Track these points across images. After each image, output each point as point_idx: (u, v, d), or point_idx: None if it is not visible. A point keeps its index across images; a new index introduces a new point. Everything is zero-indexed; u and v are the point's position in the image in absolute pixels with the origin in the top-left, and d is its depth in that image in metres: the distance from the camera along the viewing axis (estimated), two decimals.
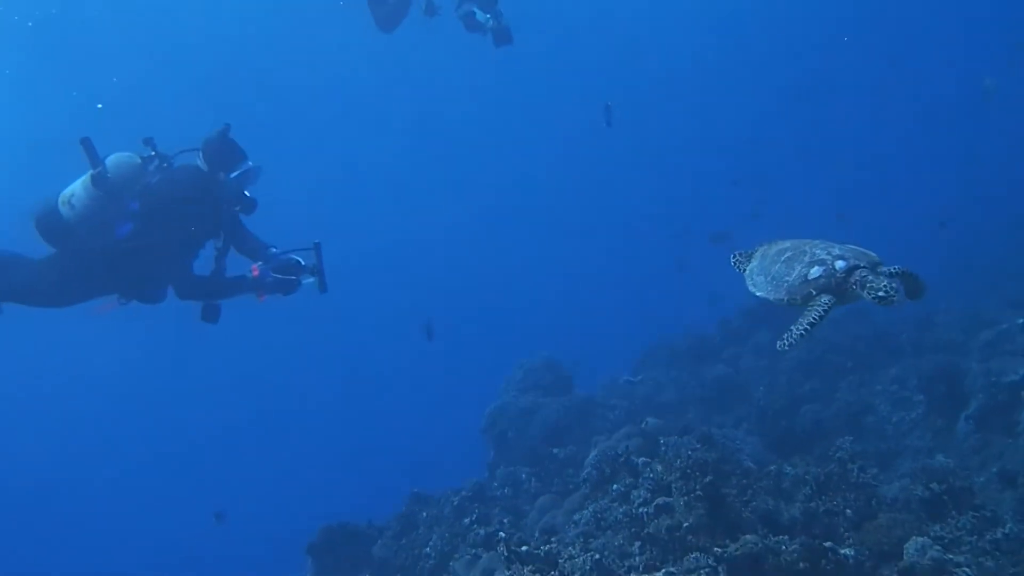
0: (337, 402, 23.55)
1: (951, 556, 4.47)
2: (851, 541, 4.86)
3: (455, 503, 7.84)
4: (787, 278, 3.26)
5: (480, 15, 7.29)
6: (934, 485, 5.80)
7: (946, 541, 5.54)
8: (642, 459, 6.31)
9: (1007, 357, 9.24)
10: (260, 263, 5.44)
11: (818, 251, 3.24)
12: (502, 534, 4.53)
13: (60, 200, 5.18)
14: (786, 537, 4.79)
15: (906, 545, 4.60)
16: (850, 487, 5.82)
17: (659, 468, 5.40)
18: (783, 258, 3.37)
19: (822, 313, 3.10)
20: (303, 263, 5.53)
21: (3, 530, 19.67)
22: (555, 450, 8.64)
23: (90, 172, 5.05)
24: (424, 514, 7.87)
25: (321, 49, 24.10)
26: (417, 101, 27.88)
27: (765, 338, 11.95)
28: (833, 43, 26.46)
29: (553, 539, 5.19)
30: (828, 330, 11.42)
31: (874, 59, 25.81)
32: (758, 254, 3.70)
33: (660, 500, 4.97)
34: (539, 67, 27.10)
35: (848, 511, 5.67)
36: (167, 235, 5.10)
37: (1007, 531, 5.54)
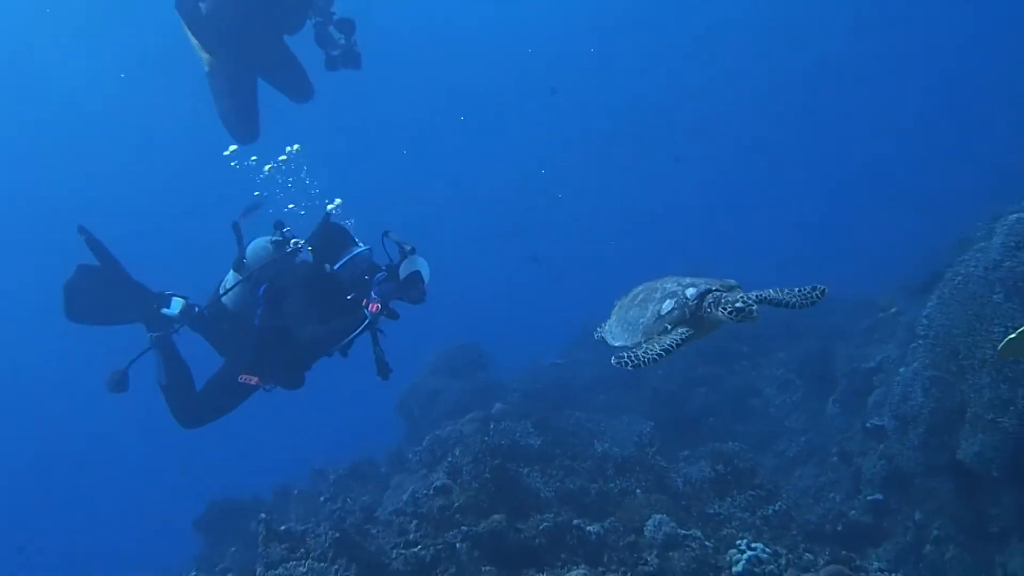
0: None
1: (683, 531, 5.02)
2: (610, 519, 5.41)
3: (332, 480, 8.48)
4: (642, 320, 3.12)
5: (334, 32, 7.00)
6: (719, 466, 6.39)
7: (721, 517, 6.15)
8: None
9: (875, 345, 9.72)
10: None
11: (669, 285, 3.13)
12: (263, 515, 5.01)
13: (221, 286, 5.11)
14: (549, 515, 5.39)
15: (647, 522, 5.16)
16: (644, 468, 6.40)
17: (457, 452, 5.97)
18: (637, 301, 3.26)
19: (675, 344, 2.94)
20: (395, 261, 4.92)
21: None
22: (437, 431, 9.22)
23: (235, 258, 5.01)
24: (296, 491, 8.51)
25: None
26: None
27: None
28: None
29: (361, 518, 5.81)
30: None
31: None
32: (615, 309, 3.51)
33: (440, 482, 5.54)
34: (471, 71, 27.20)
35: (638, 491, 6.25)
36: (292, 322, 4.80)
37: (776, 508, 6.13)
